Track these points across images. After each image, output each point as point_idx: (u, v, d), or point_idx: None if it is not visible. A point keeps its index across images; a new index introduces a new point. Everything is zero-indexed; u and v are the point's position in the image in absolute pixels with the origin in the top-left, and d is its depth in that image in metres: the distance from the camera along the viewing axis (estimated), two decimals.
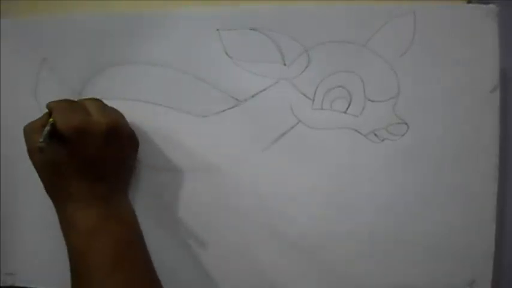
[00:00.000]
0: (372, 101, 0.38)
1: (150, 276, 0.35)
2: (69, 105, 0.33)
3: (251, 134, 0.40)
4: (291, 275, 0.40)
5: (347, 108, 0.38)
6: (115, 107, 0.38)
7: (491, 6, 0.37)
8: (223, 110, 0.40)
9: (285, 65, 0.39)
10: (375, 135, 0.38)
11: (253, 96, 0.39)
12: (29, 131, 0.33)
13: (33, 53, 0.42)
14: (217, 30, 0.39)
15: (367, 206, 0.39)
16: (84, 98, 0.37)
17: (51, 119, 0.32)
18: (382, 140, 0.38)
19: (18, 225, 0.43)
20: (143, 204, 0.41)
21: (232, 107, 0.40)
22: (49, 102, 0.33)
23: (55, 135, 0.31)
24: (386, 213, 0.39)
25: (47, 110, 0.34)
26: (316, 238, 0.39)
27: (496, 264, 0.38)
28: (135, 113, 0.40)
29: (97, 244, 0.32)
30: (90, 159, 0.33)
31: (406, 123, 0.38)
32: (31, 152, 0.33)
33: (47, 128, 0.31)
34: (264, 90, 0.39)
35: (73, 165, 0.33)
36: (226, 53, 0.39)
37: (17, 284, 0.43)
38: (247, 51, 0.39)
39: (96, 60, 0.41)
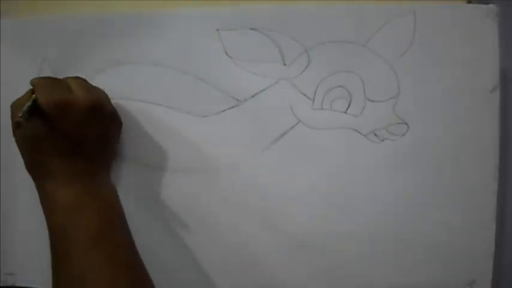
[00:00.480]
0: (372, 101, 0.38)
1: (132, 255, 0.34)
2: (51, 81, 0.33)
3: (251, 134, 0.40)
4: (290, 275, 0.40)
5: (347, 108, 0.38)
6: (115, 107, 0.38)
7: (491, 6, 0.37)
8: (223, 110, 0.40)
9: (285, 65, 0.39)
10: (375, 135, 0.38)
11: (253, 96, 0.39)
12: (13, 108, 0.33)
13: (33, 53, 0.42)
14: (217, 30, 0.39)
15: (367, 206, 0.39)
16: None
17: (33, 95, 0.32)
18: (382, 140, 0.38)
19: (18, 225, 0.43)
20: (142, 203, 0.41)
21: (232, 107, 0.40)
22: (32, 79, 0.33)
23: (36, 111, 0.31)
24: (386, 213, 0.39)
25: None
26: (316, 238, 0.39)
27: (496, 264, 0.38)
28: (135, 113, 0.40)
29: (77, 220, 0.32)
30: (71, 135, 0.33)
31: (406, 123, 0.38)
32: (13, 129, 0.33)
33: (28, 103, 0.31)
34: (264, 90, 0.39)
35: (54, 141, 0.33)
36: (226, 53, 0.39)
37: (17, 284, 0.43)
38: (247, 51, 0.39)
39: (96, 60, 0.41)
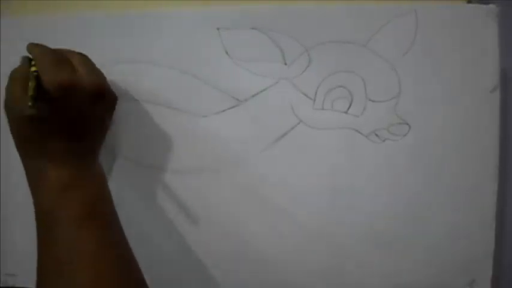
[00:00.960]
0: (373, 101, 0.38)
1: (118, 229, 0.34)
2: (54, 58, 0.32)
3: (251, 134, 0.39)
4: (290, 275, 0.40)
5: (348, 108, 0.38)
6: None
7: (491, 6, 0.37)
8: (223, 110, 0.40)
9: (285, 64, 0.39)
10: (376, 135, 0.38)
11: (253, 96, 0.39)
12: (13, 81, 0.32)
13: None
14: (217, 29, 0.39)
15: (368, 206, 0.39)
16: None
17: (32, 69, 0.31)
18: (384, 140, 0.38)
19: (19, 225, 0.43)
20: (142, 203, 0.41)
21: (233, 107, 0.40)
22: (30, 45, 0.32)
23: (39, 90, 0.30)
24: (387, 213, 0.39)
25: None
26: (316, 238, 0.39)
27: (496, 264, 0.38)
28: (135, 113, 0.40)
29: (67, 201, 0.32)
30: (73, 118, 0.33)
31: (408, 124, 0.38)
32: (8, 105, 0.32)
33: (30, 84, 0.30)
34: (265, 90, 0.39)
35: (54, 122, 0.32)
36: (226, 53, 0.39)
37: (17, 285, 0.43)
38: (248, 51, 0.39)
39: (96, 60, 0.41)
